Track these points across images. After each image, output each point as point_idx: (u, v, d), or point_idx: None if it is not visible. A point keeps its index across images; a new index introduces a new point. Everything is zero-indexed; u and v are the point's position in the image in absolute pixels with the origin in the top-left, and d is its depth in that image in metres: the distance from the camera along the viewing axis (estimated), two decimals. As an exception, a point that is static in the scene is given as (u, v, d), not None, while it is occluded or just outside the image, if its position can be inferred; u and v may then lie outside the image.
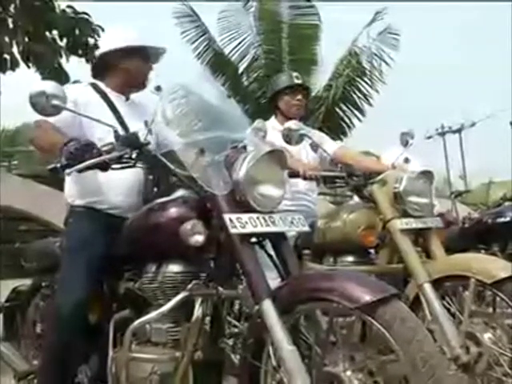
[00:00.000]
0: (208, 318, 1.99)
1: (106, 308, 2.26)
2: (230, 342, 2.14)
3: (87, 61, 2.63)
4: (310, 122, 9.30)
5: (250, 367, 1.90)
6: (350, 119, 11.21)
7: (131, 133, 2.09)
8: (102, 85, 2.56)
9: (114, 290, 2.24)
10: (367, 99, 11.08)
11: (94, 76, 2.64)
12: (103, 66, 2.60)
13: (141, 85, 2.57)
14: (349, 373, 1.65)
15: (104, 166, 1.96)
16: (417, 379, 1.55)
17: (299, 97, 3.54)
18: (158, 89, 2.13)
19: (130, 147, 1.99)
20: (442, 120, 8.20)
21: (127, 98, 2.58)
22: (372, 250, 2.95)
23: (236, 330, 2.45)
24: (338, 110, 11.03)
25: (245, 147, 2.01)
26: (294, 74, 3.75)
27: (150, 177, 2.42)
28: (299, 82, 3.62)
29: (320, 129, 7.28)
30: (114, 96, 2.53)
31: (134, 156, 2.01)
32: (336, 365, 1.68)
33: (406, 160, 2.89)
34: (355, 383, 1.63)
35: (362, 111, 11.17)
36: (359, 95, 11.05)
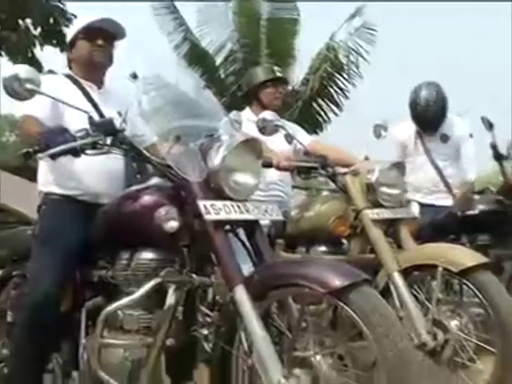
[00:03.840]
0: (181, 305, 2.01)
1: (79, 296, 2.25)
2: (204, 331, 2.16)
3: (62, 50, 2.60)
4: (286, 115, 9.34)
5: (221, 353, 1.93)
6: (326, 114, 11.26)
7: (106, 119, 2.09)
8: (75, 75, 2.55)
9: (87, 277, 2.23)
10: (344, 94, 11.15)
11: (69, 66, 2.63)
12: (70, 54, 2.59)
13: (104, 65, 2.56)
14: (319, 357, 1.69)
15: (77, 152, 1.96)
16: (385, 362, 1.59)
17: (281, 90, 3.59)
18: (134, 76, 2.13)
19: (105, 133, 1.99)
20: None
21: (99, 87, 2.57)
22: (344, 240, 2.99)
23: (209, 320, 2.47)
24: (314, 104, 11.08)
25: (220, 136, 2.03)
26: (275, 67, 3.82)
27: (134, 165, 2.43)
28: (281, 75, 3.70)
29: (297, 123, 7.30)
30: (86, 86, 2.52)
31: (108, 142, 2.01)
32: (306, 349, 1.71)
33: (366, 158, 2.93)
34: (325, 367, 1.67)
35: (338, 106, 11.24)
36: (336, 89, 11.10)
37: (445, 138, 4.21)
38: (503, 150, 3.83)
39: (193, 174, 1.90)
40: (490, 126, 3.67)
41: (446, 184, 4.19)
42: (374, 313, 1.63)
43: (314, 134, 10.32)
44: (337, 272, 1.69)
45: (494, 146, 3.71)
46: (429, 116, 4.19)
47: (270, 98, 3.53)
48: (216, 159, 1.89)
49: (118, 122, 2.06)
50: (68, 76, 2.54)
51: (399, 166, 2.82)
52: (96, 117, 2.14)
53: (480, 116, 3.72)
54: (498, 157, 3.72)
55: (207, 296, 2.88)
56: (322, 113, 11.24)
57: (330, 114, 11.25)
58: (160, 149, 2.17)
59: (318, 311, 2.17)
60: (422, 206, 4.06)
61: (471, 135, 4.23)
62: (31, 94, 1.95)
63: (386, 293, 2.57)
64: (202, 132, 2.01)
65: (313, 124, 10.96)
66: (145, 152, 2.05)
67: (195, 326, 2.09)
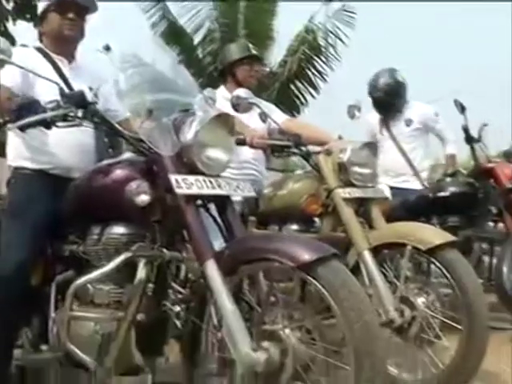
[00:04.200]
0: (152, 281, 2.01)
1: (50, 271, 2.24)
2: (175, 307, 2.17)
3: (35, 25, 2.55)
4: (264, 96, 9.30)
5: (192, 327, 1.95)
6: (304, 96, 11.25)
7: (77, 91, 2.06)
8: (46, 48, 2.52)
9: (58, 252, 2.22)
10: (322, 76, 11.14)
11: (40, 40, 2.59)
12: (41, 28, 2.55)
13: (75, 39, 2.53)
14: (287, 331, 1.71)
15: (48, 124, 1.94)
16: (352, 336, 1.62)
17: (256, 68, 3.59)
18: (107, 48, 2.11)
19: (76, 105, 1.97)
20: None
21: (70, 61, 2.54)
22: (316, 219, 3.02)
23: (180, 296, 2.47)
24: (292, 86, 11.06)
25: (193, 112, 2.02)
26: (249, 44, 3.81)
27: (106, 139, 2.41)
28: (256, 53, 3.70)
29: (274, 104, 7.29)
30: (57, 60, 2.49)
31: (79, 115, 1.99)
32: (275, 323, 1.73)
33: (340, 138, 2.95)
34: (293, 340, 1.69)
35: (316, 88, 11.23)
36: (314, 72, 11.08)
37: (409, 122, 4.39)
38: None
39: (165, 148, 1.90)
40: (462, 109, 3.73)
41: (412, 167, 4.32)
42: (343, 287, 1.65)
43: (291, 115, 10.31)
44: (306, 247, 1.71)
45: (465, 129, 3.77)
46: (388, 102, 4.39)
47: (244, 76, 3.53)
48: (189, 134, 1.89)
49: (89, 96, 2.04)
50: (38, 49, 2.50)
51: (371, 146, 2.84)
52: (67, 90, 2.11)
53: (453, 99, 3.77)
54: (470, 139, 3.79)
55: (180, 272, 2.89)
56: (300, 95, 11.22)
57: (308, 97, 11.25)
58: (133, 123, 2.16)
59: (289, 287, 2.20)
60: (391, 188, 4.13)
61: (436, 114, 4.36)
62: (1, 63, 1.92)
63: (356, 271, 2.61)
64: (175, 107, 2.01)
65: (290, 106, 10.94)
66: (117, 126, 2.04)
67: (166, 302, 2.09)
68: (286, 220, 2.98)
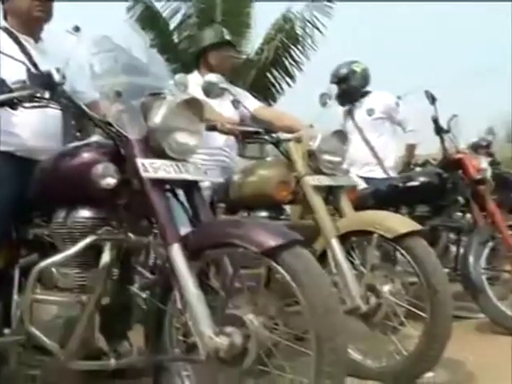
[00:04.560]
0: (118, 265, 2.00)
1: (14, 254, 2.21)
2: (141, 293, 2.16)
3: (3, 2, 2.50)
4: (240, 84, 9.26)
5: (156, 312, 1.94)
6: (280, 84, 11.24)
7: (44, 71, 2.03)
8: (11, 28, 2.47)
9: (23, 235, 2.20)
10: (298, 65, 11.13)
11: (5, 18, 2.54)
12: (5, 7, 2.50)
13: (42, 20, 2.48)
14: (251, 316, 1.71)
15: (14, 104, 1.90)
16: (313, 321, 1.63)
17: (230, 53, 3.59)
18: (77, 29, 2.08)
19: (43, 86, 1.94)
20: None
21: (36, 41, 2.49)
22: (286, 206, 3.03)
23: (147, 282, 2.47)
24: (268, 74, 11.03)
25: (163, 96, 2.01)
26: (223, 29, 3.81)
27: (73, 122, 2.38)
28: (229, 38, 3.71)
29: (250, 92, 7.27)
30: (22, 39, 2.44)
31: (46, 96, 1.96)
32: (239, 308, 1.74)
33: (311, 125, 2.96)
34: (256, 325, 1.69)
35: (292, 77, 11.22)
36: (291, 61, 11.07)
37: (370, 112, 4.52)
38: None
39: (132, 131, 1.89)
40: (432, 100, 3.76)
41: (376, 156, 4.40)
42: (306, 273, 1.66)
43: (267, 104, 10.28)
44: (271, 232, 1.71)
45: (435, 120, 3.81)
46: (348, 92, 4.53)
47: (217, 61, 3.53)
48: (156, 118, 1.88)
49: (57, 77, 2.01)
50: (4, 29, 2.46)
51: (340, 134, 2.85)
52: (34, 70, 2.08)
53: (424, 90, 3.80)
54: (439, 130, 3.82)
55: (149, 257, 2.88)
56: (276, 83, 11.20)
57: (284, 85, 11.24)
58: (101, 105, 2.14)
59: (256, 273, 2.21)
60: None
61: (397, 103, 4.44)
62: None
63: (324, 258, 2.63)
64: (145, 90, 1.99)
65: (266, 94, 10.92)
66: (84, 107, 2.01)
67: (132, 286, 2.09)
68: (255, 207, 2.98)
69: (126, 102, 1.92)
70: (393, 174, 4.52)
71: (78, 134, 2.39)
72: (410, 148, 4.65)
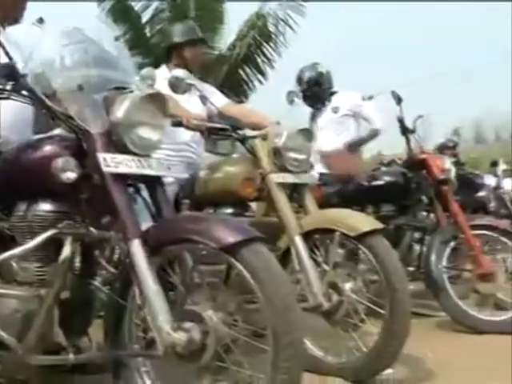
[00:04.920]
0: (80, 260, 1.99)
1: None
2: (103, 286, 2.15)
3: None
4: (211, 80, 9.24)
5: (115, 306, 1.94)
6: (252, 82, 11.25)
7: (8, 62, 1.99)
8: None
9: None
10: (270, 63, 11.15)
11: None
12: None
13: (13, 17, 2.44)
14: (210, 312, 1.72)
15: None
16: (270, 317, 1.64)
17: (201, 50, 3.63)
18: (41, 21, 2.06)
19: (5, 78, 1.91)
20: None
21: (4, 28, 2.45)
22: (251, 203, 3.04)
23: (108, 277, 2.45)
24: (240, 71, 11.04)
25: (127, 90, 1.99)
26: (196, 26, 3.83)
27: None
28: (201, 35, 3.76)
29: (221, 89, 7.26)
30: None
31: (8, 88, 1.93)
32: (198, 304, 1.74)
33: (278, 123, 2.98)
34: (215, 320, 1.70)
35: (264, 74, 11.24)
36: (263, 58, 11.09)
37: (335, 109, 4.61)
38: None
39: (94, 125, 1.87)
40: (398, 100, 3.80)
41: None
42: (264, 270, 1.67)
43: (239, 100, 10.29)
44: (230, 229, 1.72)
45: (400, 120, 3.85)
46: (313, 93, 4.63)
47: (195, 58, 3.56)
48: (119, 112, 1.87)
49: (20, 68, 1.98)
50: None
51: (306, 132, 2.87)
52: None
53: (390, 90, 3.84)
54: (405, 130, 3.87)
55: (114, 252, 2.86)
56: (248, 80, 11.21)
57: (256, 83, 11.25)
58: (63, 98, 2.11)
59: (218, 270, 2.21)
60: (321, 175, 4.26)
61: (363, 99, 4.51)
62: None
63: (287, 255, 2.65)
64: (109, 84, 1.97)
65: (238, 91, 10.93)
66: (46, 100, 1.98)
67: (93, 281, 2.08)
68: (220, 203, 2.98)
69: (88, 94, 1.91)
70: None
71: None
72: (372, 132, 4.65)
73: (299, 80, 4.70)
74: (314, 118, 4.66)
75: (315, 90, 4.63)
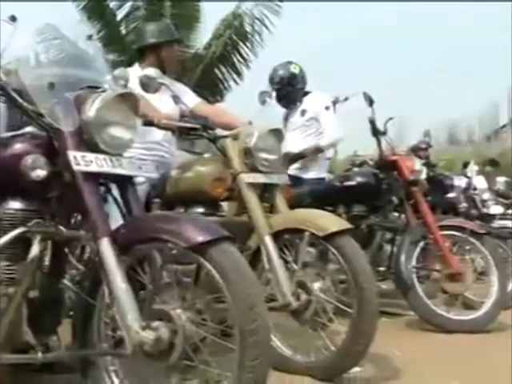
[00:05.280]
0: (48, 257, 1.98)
1: None
2: (73, 286, 2.14)
3: None
4: (186, 79, 9.21)
5: (84, 305, 1.94)
6: (227, 81, 11.24)
7: None
8: None
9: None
10: (246, 63, 11.16)
11: None
12: None
13: None
14: (178, 310, 1.73)
15: None
16: (237, 316, 1.67)
17: (176, 51, 3.66)
18: (13, 19, 2.04)
19: None
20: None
21: None
22: (223, 203, 3.05)
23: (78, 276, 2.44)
24: (216, 70, 11.02)
25: (98, 89, 1.99)
26: (171, 26, 3.83)
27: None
28: (176, 36, 3.76)
29: (197, 88, 7.27)
30: None
31: None
32: (166, 303, 1.76)
33: (250, 123, 2.99)
34: (183, 319, 1.72)
35: (240, 74, 11.24)
36: (239, 58, 11.09)
37: (303, 112, 4.57)
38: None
39: (65, 123, 1.87)
40: (370, 102, 3.85)
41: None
42: (232, 269, 1.69)
43: (214, 100, 10.28)
44: (199, 228, 1.73)
45: (372, 122, 3.89)
46: (284, 93, 4.57)
47: (172, 59, 3.57)
48: (90, 111, 1.87)
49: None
50: None
51: (277, 133, 2.89)
52: None
53: (362, 92, 3.88)
54: (376, 132, 3.92)
55: (85, 251, 2.85)
56: (224, 80, 11.20)
57: (231, 82, 11.25)
58: (32, 94, 2.10)
59: (188, 269, 2.22)
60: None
61: (327, 107, 4.54)
62: None
63: (258, 255, 2.67)
64: (82, 83, 1.97)
65: (214, 90, 10.92)
66: (17, 97, 1.98)
67: (63, 280, 2.07)
68: (191, 202, 2.99)
69: (59, 93, 1.91)
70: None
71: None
72: (316, 149, 4.50)
73: (271, 79, 4.64)
74: (286, 118, 4.66)
75: (288, 90, 4.58)
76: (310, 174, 4.48)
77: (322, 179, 4.51)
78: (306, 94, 4.66)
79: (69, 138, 1.86)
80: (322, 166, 4.65)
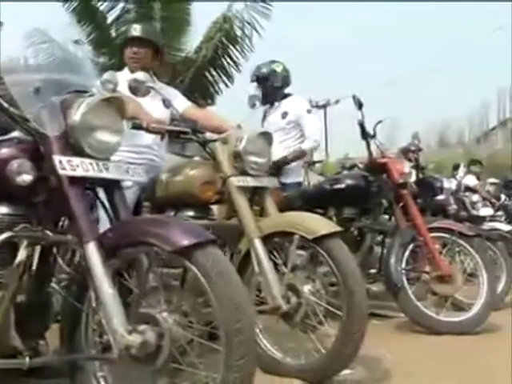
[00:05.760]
0: (35, 263, 1.97)
1: None
2: (61, 290, 2.13)
3: None
4: (176, 83, 9.21)
5: (72, 309, 1.93)
6: (218, 85, 11.25)
7: None
8: None
9: None
10: (237, 66, 11.17)
11: None
12: None
13: None
14: (164, 314, 1.73)
15: None
16: (222, 317, 1.67)
17: (135, 49, 3.58)
18: None
19: None
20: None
21: None
22: (212, 206, 3.05)
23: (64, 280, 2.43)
24: (207, 73, 11.03)
25: (85, 93, 1.99)
26: (135, 26, 3.81)
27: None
28: (136, 34, 3.66)
29: (188, 92, 7.28)
30: None
31: None
32: (153, 306, 1.75)
33: (239, 126, 2.99)
34: (170, 322, 1.71)
35: (230, 77, 11.25)
36: (229, 61, 11.10)
37: (284, 115, 4.52)
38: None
39: (51, 128, 1.87)
40: (359, 105, 3.86)
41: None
42: (218, 273, 1.69)
43: (205, 103, 10.29)
44: (185, 232, 1.74)
45: (361, 125, 3.90)
46: (268, 92, 4.45)
47: (126, 58, 3.58)
48: (76, 115, 1.87)
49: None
50: None
51: (266, 136, 2.89)
52: None
53: (352, 95, 3.89)
54: (365, 135, 3.92)
55: (74, 255, 2.84)
56: (214, 83, 11.21)
57: (222, 86, 11.26)
58: (18, 99, 2.10)
59: (176, 273, 2.22)
60: None
61: (309, 111, 4.54)
62: None
63: (247, 258, 2.67)
64: (67, 87, 1.97)
65: (204, 93, 10.92)
66: (2, 102, 1.97)
67: (51, 285, 2.06)
68: (181, 206, 2.99)
69: (44, 98, 1.90)
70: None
71: None
72: (300, 152, 4.49)
73: (252, 75, 4.54)
74: (264, 116, 4.58)
75: (266, 86, 4.45)
76: (290, 179, 4.46)
77: (300, 184, 4.52)
78: (286, 96, 4.60)
79: (54, 142, 1.86)
80: (299, 170, 4.67)
